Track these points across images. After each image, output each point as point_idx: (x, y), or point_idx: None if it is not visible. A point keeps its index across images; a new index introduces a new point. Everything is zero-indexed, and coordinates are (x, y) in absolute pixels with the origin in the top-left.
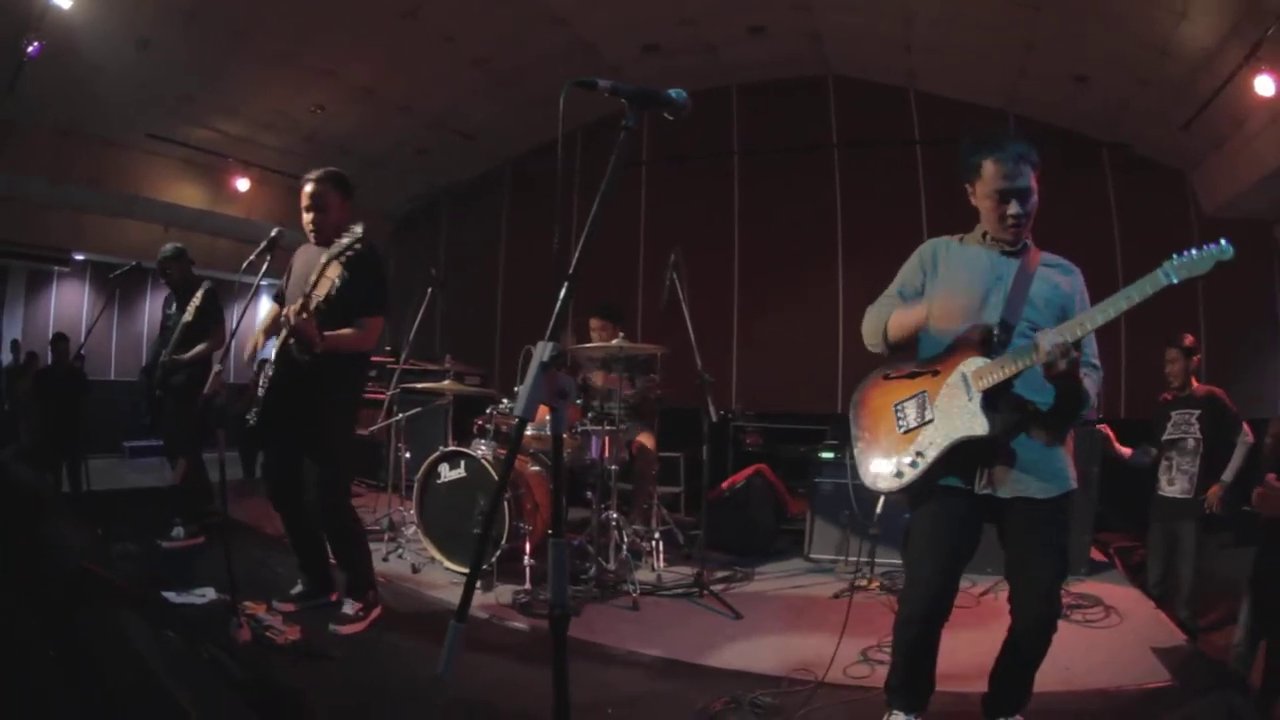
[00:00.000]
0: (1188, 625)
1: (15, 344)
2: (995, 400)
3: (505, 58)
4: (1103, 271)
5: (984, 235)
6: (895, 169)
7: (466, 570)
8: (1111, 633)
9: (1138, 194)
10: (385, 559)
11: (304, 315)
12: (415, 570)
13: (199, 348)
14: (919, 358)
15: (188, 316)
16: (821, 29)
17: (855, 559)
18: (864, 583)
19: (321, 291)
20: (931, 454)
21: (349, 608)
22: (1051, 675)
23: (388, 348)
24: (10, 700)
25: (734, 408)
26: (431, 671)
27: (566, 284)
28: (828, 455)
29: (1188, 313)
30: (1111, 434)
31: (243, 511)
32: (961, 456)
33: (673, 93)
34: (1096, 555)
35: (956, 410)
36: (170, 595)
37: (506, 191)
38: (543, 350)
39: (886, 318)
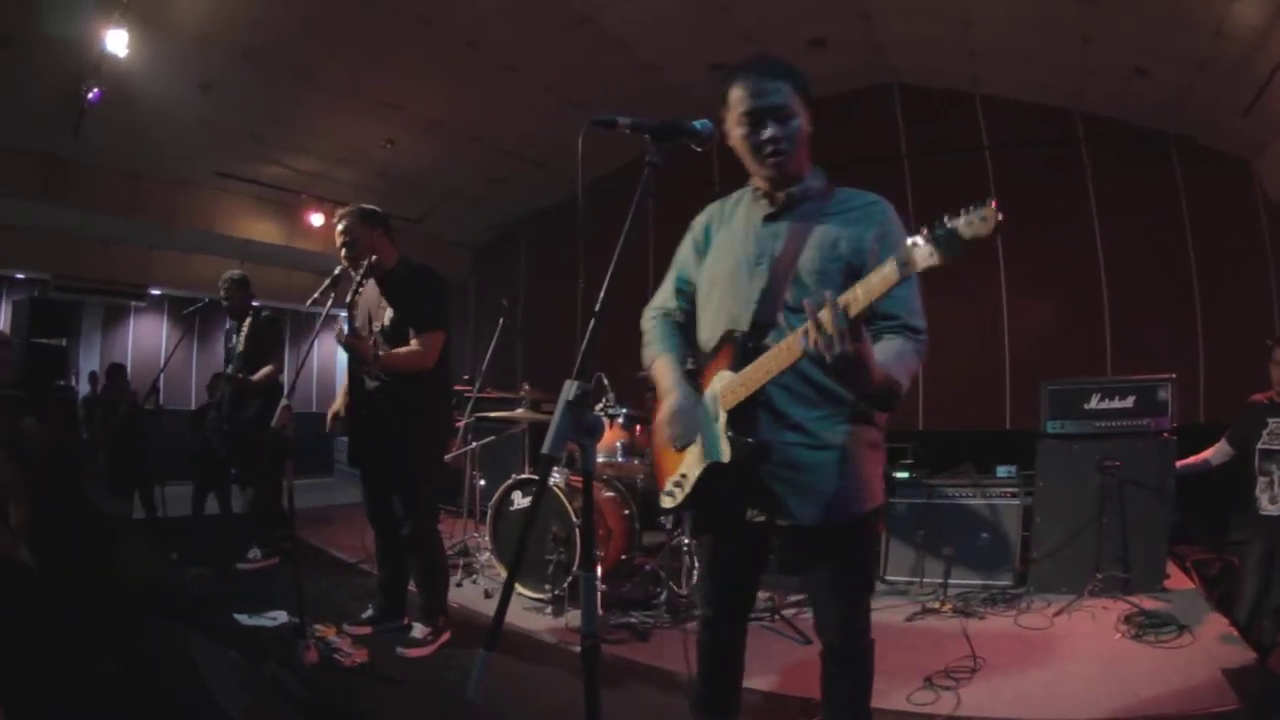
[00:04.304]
0: (1266, 638)
1: (93, 376)
2: (744, 419)
3: (571, 84)
4: (1176, 265)
5: (754, 189)
6: (965, 176)
7: (538, 595)
8: (1182, 653)
9: (1206, 185)
10: (459, 584)
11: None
12: (488, 596)
13: (265, 370)
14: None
15: (240, 346)
16: (883, 38)
17: (929, 580)
18: (937, 605)
19: (377, 323)
20: (691, 478)
21: (418, 632)
22: (1119, 700)
23: (465, 376)
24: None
25: None
26: (488, 696)
27: (593, 322)
28: (902, 475)
29: (1263, 308)
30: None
31: (316, 537)
32: (725, 481)
33: (697, 124)
34: (1173, 569)
35: (710, 432)
36: (242, 618)
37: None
38: (569, 389)
39: (654, 339)
